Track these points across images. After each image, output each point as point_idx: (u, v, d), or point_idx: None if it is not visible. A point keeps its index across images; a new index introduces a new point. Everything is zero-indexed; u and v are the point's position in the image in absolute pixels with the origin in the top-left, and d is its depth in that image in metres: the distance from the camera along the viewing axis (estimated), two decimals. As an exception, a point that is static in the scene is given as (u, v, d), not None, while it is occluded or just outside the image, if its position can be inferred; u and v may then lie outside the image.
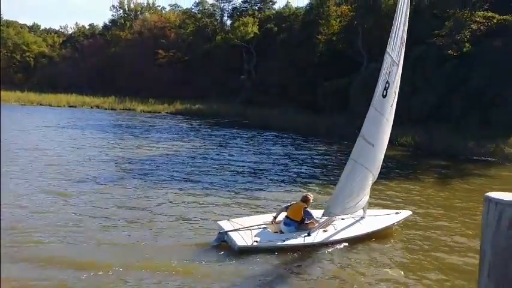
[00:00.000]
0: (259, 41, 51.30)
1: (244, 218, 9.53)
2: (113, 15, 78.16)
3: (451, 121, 25.73)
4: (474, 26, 27.56)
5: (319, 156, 21.94)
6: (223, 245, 8.66)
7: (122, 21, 75.11)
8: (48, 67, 73.56)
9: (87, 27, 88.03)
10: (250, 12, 58.18)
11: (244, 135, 29.08)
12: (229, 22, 62.14)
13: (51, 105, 46.46)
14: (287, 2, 68.04)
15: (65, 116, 37.21)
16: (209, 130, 31.97)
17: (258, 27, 52.18)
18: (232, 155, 20.73)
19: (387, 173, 17.93)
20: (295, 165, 19.04)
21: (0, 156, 15.75)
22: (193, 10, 64.37)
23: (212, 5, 62.53)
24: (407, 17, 8.77)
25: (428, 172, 18.51)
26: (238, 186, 14.23)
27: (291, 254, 8.53)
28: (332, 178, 16.60)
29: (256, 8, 60.47)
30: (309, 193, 9.82)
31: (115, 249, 8.55)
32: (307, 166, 19.03)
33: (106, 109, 46.42)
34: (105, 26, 79.62)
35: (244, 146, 24.11)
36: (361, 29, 37.63)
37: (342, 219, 9.73)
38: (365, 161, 9.03)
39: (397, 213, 10.55)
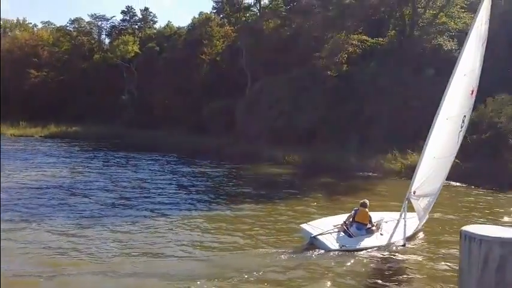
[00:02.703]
0: (140, 60, 49.50)
1: (318, 221, 10.72)
2: (-24, 32, 70.90)
3: (334, 139, 26.34)
4: (350, 49, 29.05)
5: (205, 177, 21.21)
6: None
7: (-12, 38, 68.26)
8: None
9: None
10: (130, 31, 56.05)
11: (126, 158, 27.30)
12: (107, 41, 59.37)
13: None
14: (168, 21, 67.04)
15: None
16: (86, 154, 29.59)
17: (138, 46, 50.38)
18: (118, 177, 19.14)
19: (277, 192, 17.74)
20: (180, 187, 18.08)
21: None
22: (68, 28, 60.41)
23: (89, 23, 59.30)
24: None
25: (316, 189, 18.50)
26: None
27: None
28: (217, 197, 16.16)
29: (137, 26, 58.44)
30: (365, 199, 10.93)
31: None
32: (196, 187, 18.29)
33: (-34, 134, 41.11)
34: (-33, 44, 71.81)
35: (125, 170, 22.63)
36: (245, 50, 37.90)
37: (386, 222, 10.83)
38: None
39: None
